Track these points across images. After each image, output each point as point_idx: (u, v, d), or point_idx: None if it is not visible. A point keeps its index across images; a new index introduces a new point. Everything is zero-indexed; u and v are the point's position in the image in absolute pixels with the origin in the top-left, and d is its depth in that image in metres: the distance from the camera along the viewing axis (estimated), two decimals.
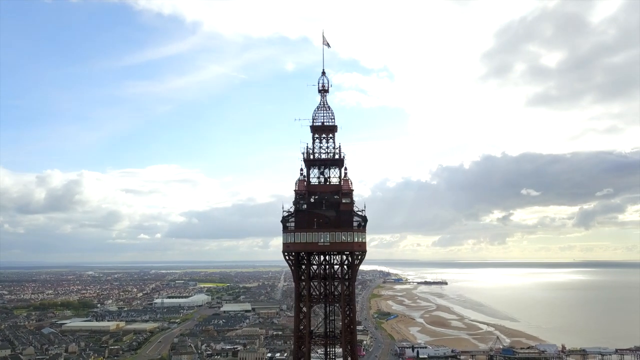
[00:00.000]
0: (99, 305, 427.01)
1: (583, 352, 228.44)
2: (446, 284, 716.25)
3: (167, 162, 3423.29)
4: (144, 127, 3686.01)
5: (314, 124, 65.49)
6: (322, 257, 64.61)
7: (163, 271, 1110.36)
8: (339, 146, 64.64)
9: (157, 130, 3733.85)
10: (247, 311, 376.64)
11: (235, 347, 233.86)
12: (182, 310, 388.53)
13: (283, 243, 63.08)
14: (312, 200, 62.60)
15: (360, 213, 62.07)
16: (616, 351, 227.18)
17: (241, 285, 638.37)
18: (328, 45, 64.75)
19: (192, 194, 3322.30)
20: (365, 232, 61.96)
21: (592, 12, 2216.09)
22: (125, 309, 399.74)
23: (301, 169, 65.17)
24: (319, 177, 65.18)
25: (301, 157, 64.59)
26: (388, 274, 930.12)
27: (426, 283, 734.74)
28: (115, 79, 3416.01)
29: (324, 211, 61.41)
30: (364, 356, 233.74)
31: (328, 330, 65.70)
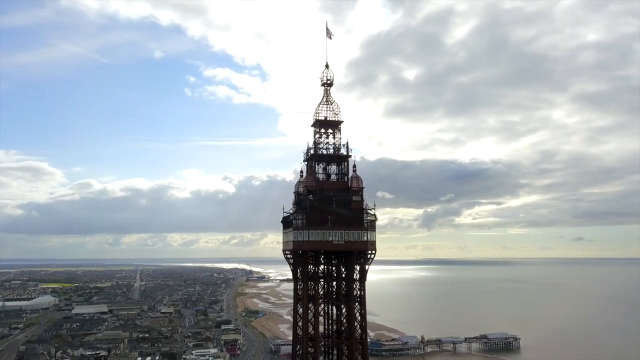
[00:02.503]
0: None
1: (439, 342, 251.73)
2: None
3: (2, 147, 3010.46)
4: None
5: (317, 118, 62.73)
6: (322, 257, 62.09)
7: None
8: (347, 142, 62.54)
9: None
10: (103, 313, 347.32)
11: (97, 352, 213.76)
12: (24, 314, 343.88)
13: (293, 241, 59.13)
14: (310, 197, 59.51)
15: (370, 211, 60.82)
16: (465, 339, 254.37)
17: (92, 285, 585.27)
18: (330, 37, 62.67)
19: (34, 184, 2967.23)
20: (375, 230, 61.21)
21: (447, 34, 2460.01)
22: None
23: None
24: (321, 174, 62.48)
25: (303, 152, 61.33)
26: (250, 272, 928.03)
27: (289, 280, 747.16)
28: None
29: (336, 209, 58.97)
30: (239, 355, 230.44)
31: (330, 331, 63.02)
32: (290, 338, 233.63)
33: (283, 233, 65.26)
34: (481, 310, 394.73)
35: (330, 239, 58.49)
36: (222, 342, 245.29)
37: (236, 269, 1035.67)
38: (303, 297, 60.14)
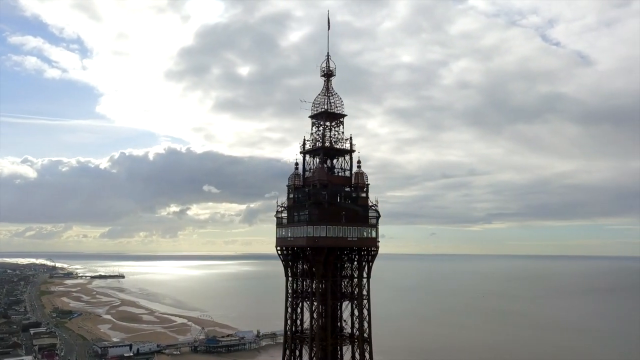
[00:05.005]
0: None
1: (274, 335, 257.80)
2: (123, 277, 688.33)
3: None
4: None
5: (320, 110, 59.30)
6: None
7: None
8: (350, 137, 59.66)
9: None
10: None
11: None
12: None
13: (307, 237, 54.46)
14: (303, 192, 56.08)
15: (375, 208, 58.75)
16: None
17: None
18: (329, 27, 59.88)
19: None
20: (378, 228, 59.65)
21: (283, 36, 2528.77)
22: None
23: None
24: (322, 168, 58.88)
25: (299, 145, 57.54)
26: (54, 267, 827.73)
27: (101, 277, 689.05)
28: None
29: (350, 205, 56.00)
30: None
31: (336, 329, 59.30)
32: (116, 339, 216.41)
33: (277, 228, 61.35)
34: None
35: (345, 235, 56.51)
36: (36, 347, 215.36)
37: (35, 264, 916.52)
38: (316, 294, 57.18)
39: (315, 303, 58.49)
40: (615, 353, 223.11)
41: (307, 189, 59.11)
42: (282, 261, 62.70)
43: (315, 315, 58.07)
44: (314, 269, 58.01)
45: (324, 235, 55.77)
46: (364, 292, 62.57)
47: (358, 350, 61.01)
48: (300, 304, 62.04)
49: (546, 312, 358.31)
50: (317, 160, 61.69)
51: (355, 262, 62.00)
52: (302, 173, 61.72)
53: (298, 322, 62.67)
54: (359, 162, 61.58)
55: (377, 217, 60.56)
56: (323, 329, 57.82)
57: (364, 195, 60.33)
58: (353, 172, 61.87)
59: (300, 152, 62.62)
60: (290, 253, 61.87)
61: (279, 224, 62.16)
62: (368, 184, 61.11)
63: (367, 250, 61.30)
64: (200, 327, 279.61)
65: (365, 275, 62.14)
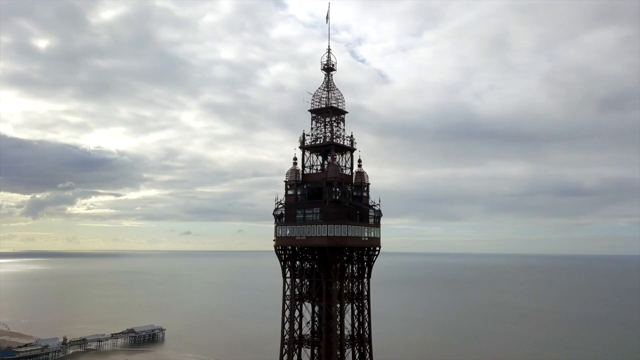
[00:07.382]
0: None
1: (83, 341, 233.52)
2: None
3: None
4: None
5: (318, 106, 55.58)
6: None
7: None
8: (352, 134, 56.54)
9: None
10: None
11: None
12: None
13: (328, 236, 49.83)
14: (304, 189, 52.32)
15: (376, 207, 55.84)
16: (112, 335, 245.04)
17: None
18: (327, 19, 55.28)
19: None
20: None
21: (93, 12, 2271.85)
22: None
23: (294, 158, 53.46)
24: (321, 165, 55.19)
25: (298, 141, 53.65)
26: None
27: None
28: None
29: (361, 204, 53.14)
30: None
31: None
32: None
33: (278, 226, 56.18)
34: (114, 304, 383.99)
35: (360, 234, 54.16)
36: None
37: None
38: (332, 296, 52.90)
39: (324, 305, 56.78)
40: (427, 336, 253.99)
41: (305, 186, 56.14)
42: (281, 261, 57.93)
43: (326, 317, 56.13)
44: (329, 270, 54.88)
45: (345, 234, 52.60)
46: (365, 293, 61.47)
47: (359, 351, 60.13)
48: (299, 305, 59.19)
49: None
50: (315, 156, 59.45)
51: (356, 262, 60.66)
52: (301, 169, 58.30)
53: (296, 324, 60.16)
54: (359, 160, 59.57)
55: (379, 217, 58.87)
56: (336, 331, 55.98)
57: (365, 194, 59.09)
58: (354, 170, 60.05)
59: (300, 147, 59.03)
60: (290, 253, 58.18)
61: (281, 222, 57.69)
62: (369, 184, 59.77)
63: (372, 250, 60.09)
64: None
65: (366, 275, 61.18)
